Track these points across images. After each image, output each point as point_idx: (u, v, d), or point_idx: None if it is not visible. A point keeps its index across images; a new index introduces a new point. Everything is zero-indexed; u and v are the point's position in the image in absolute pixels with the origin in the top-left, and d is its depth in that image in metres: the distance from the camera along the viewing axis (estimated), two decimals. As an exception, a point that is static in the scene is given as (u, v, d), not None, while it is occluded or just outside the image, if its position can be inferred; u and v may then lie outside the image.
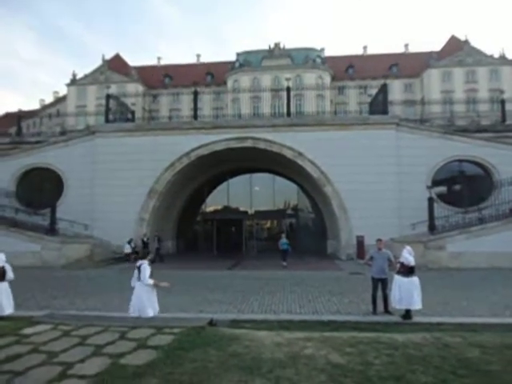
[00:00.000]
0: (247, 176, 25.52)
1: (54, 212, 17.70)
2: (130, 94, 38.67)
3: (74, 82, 54.65)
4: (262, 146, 19.70)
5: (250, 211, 25.79)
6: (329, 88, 46.83)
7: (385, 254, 8.18)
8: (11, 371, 3.96)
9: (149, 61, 73.35)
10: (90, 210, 18.96)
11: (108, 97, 21.48)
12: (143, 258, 6.85)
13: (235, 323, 7.16)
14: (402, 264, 7.54)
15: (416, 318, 7.25)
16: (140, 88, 52.24)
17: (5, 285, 7.26)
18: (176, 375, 3.87)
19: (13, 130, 26.25)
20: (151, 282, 6.46)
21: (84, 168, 19.61)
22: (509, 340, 5.26)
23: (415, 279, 7.45)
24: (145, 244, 17.95)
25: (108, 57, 56.19)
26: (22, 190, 19.88)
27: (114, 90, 36.88)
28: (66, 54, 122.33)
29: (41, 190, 19.79)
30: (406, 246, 7.91)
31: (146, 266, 6.54)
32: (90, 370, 3.96)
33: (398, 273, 7.58)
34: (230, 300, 9.26)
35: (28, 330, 5.37)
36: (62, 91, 58.47)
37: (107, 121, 20.88)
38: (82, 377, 3.82)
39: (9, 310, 7.15)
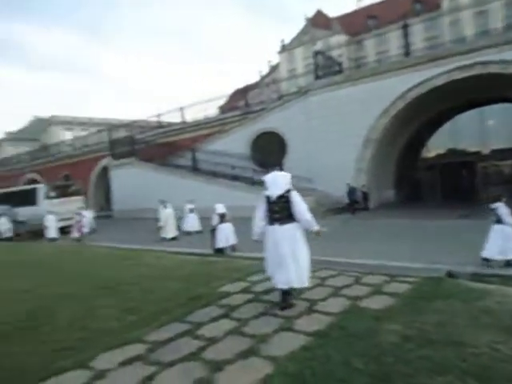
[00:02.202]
0: (476, 110, 21.66)
1: (281, 170, 19.90)
2: (334, 47, 38.48)
3: (283, 48, 58.47)
4: (494, 69, 16.11)
5: (484, 151, 21.95)
6: None
7: None
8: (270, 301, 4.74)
9: (349, 7, 70.07)
10: (309, 165, 20.35)
11: (315, 54, 21.96)
12: (497, 200, 6.98)
13: (476, 277, 6.35)
14: None
15: None
16: (343, 38, 51.12)
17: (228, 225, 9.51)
18: (418, 323, 3.73)
19: (242, 103, 30.62)
20: None
21: (301, 127, 21.03)
22: None
23: None
24: (365, 194, 18.06)
25: (310, 15, 57.06)
26: (255, 153, 23.13)
27: (319, 46, 37.43)
28: (270, 24, 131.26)
29: (269, 151, 22.45)
30: None
31: (503, 208, 6.81)
32: (333, 308, 4.31)
33: None
34: (466, 252, 8.25)
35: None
36: (275, 59, 63.67)
37: (317, 77, 21.47)
38: (327, 313, 4.20)
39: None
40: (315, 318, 4.10)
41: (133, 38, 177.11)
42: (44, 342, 4.06)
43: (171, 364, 3.34)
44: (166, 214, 13.64)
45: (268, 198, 4.54)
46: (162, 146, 26.50)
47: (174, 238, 13.24)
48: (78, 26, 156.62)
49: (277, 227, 4.46)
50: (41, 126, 61.57)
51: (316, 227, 4.51)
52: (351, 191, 18.27)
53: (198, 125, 27.98)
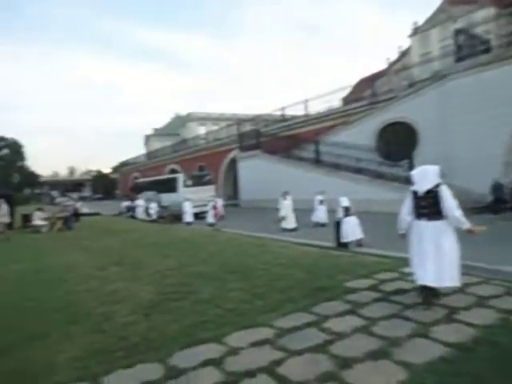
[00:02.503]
0: None
1: (411, 163, 18.40)
2: (479, 23, 33.66)
3: (415, 31, 53.63)
4: None
5: None
6: None
7: None
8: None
9: (501, -26, 60.25)
10: (445, 158, 18.24)
11: (456, 33, 19.56)
12: None
13: None
14: None
15: None
16: (491, 11, 44.26)
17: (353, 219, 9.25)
18: None
19: (367, 93, 29.20)
20: None
21: (436, 115, 19.05)
22: None
23: None
24: (515, 192, 15.51)
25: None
26: (381, 145, 21.87)
27: (459, 24, 33.25)
28: (401, 7, 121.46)
29: (396, 142, 20.94)
30: None
31: None
32: (478, 320, 3.80)
33: None
34: None
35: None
36: (405, 44, 58.88)
37: (458, 59, 19.09)
38: (470, 324, 3.73)
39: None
40: (455, 328, 3.69)
41: (256, 33, 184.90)
42: (184, 314, 4.55)
43: (299, 353, 3.39)
44: (285, 206, 13.89)
45: (415, 193, 4.35)
46: (285, 139, 27.10)
47: (293, 229, 13.43)
48: (205, 27, 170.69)
49: (423, 223, 4.26)
50: (180, 122, 69.21)
51: (467, 225, 4.18)
52: (497, 188, 15.82)
53: (320, 117, 27.72)
